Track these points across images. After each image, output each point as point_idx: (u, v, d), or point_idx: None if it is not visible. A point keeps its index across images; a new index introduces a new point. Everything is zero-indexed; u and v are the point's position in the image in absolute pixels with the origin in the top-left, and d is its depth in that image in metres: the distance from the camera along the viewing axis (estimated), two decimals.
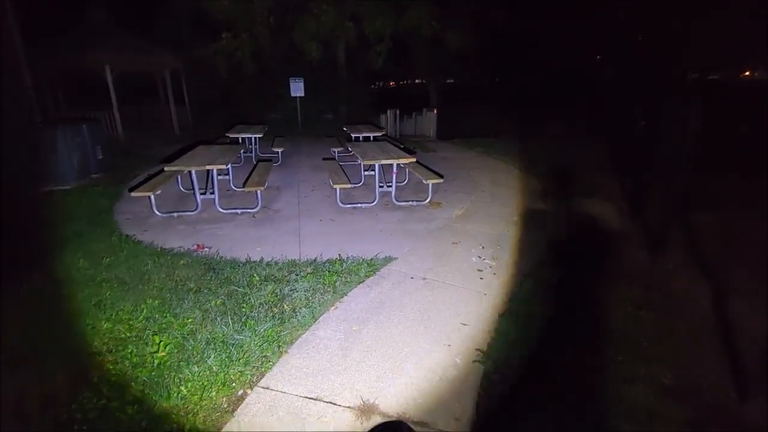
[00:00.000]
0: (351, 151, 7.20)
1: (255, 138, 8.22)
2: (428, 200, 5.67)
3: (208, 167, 5.02)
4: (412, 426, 1.14)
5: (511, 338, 2.81)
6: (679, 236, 4.44)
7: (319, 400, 2.31)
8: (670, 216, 4.65)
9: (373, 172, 6.04)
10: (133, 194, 4.89)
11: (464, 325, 2.99)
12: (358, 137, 8.21)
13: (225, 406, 2.26)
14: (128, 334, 2.80)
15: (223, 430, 2.11)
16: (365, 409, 2.25)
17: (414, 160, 5.68)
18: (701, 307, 3.26)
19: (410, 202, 5.70)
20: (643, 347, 2.78)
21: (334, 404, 2.29)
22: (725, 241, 4.24)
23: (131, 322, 2.93)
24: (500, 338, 2.82)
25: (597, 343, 2.79)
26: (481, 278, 3.67)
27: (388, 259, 3.97)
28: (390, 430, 1.23)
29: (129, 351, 2.63)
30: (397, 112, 12.28)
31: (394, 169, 5.65)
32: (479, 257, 4.07)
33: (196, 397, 2.30)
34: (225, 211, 5.28)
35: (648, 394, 2.39)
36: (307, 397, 2.32)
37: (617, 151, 7.79)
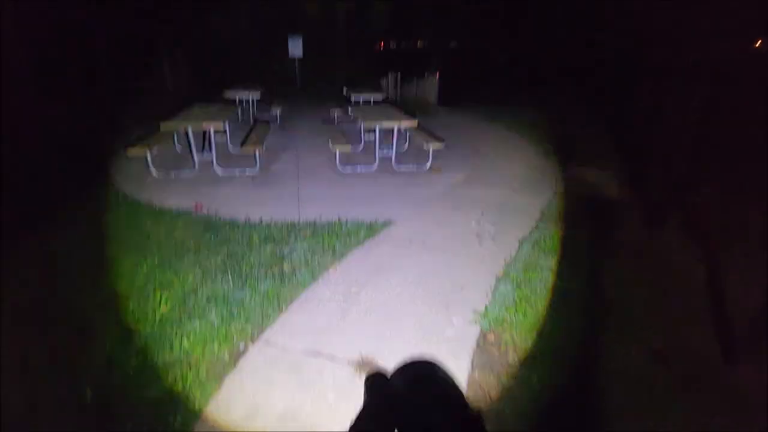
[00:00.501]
0: (351, 114, 7.07)
1: (252, 99, 8.03)
2: (429, 165, 5.63)
3: (205, 126, 4.93)
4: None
5: (507, 301, 2.86)
6: (677, 211, 4.45)
7: (319, 355, 2.36)
8: (670, 190, 4.66)
9: (373, 136, 5.96)
10: (129, 152, 4.82)
11: (462, 288, 3.03)
12: (359, 100, 8.04)
13: (227, 358, 2.31)
14: (129, 290, 2.82)
15: (226, 380, 2.16)
16: (364, 365, 2.31)
17: (415, 123, 5.58)
18: (694, 280, 3.30)
19: (410, 167, 5.65)
20: (637, 314, 2.84)
21: (334, 360, 2.34)
22: (722, 218, 4.25)
23: (132, 279, 2.95)
24: (497, 301, 2.87)
25: (592, 308, 2.83)
26: (480, 243, 3.69)
27: (388, 223, 3.97)
28: (418, 369, 1.25)
29: (131, 307, 2.66)
30: (399, 75, 11.97)
31: (395, 133, 5.56)
32: (478, 223, 4.07)
33: (199, 349, 2.34)
34: (223, 172, 5.23)
35: (639, 357, 2.46)
36: (307, 353, 2.38)
37: (621, 125, 7.69)
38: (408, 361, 1.16)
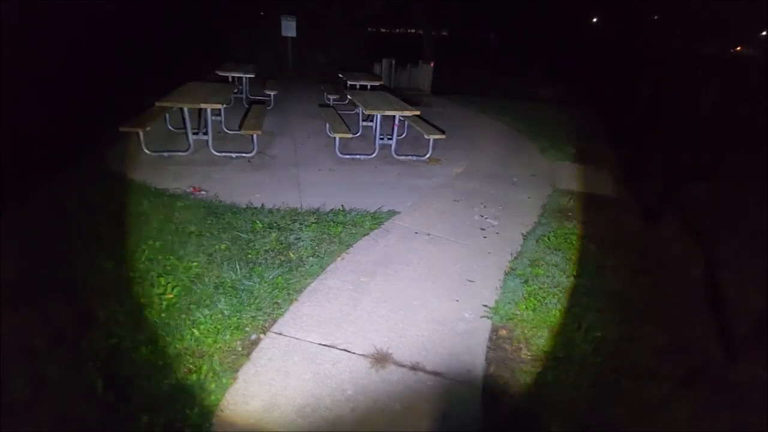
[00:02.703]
0: (347, 99, 6.94)
1: (246, 78, 7.79)
2: (428, 156, 5.59)
3: (202, 106, 4.75)
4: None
5: (516, 296, 2.89)
6: (674, 206, 4.56)
7: (333, 347, 2.34)
8: (665, 186, 4.75)
9: (371, 123, 5.87)
10: (121, 128, 4.61)
11: (470, 281, 3.04)
12: (355, 85, 7.89)
13: (240, 349, 2.26)
14: (132, 275, 2.72)
15: (241, 371, 2.12)
16: (379, 358, 2.30)
17: (418, 112, 5.52)
18: (693, 275, 3.40)
19: (410, 157, 5.61)
20: (641, 310, 2.90)
21: (349, 351, 2.32)
22: (718, 213, 4.38)
23: (133, 263, 2.84)
24: (506, 296, 2.89)
25: (599, 304, 2.88)
26: (485, 237, 3.70)
27: (392, 213, 3.94)
28: None
29: (135, 291, 2.57)
30: (393, 62, 11.80)
31: (396, 122, 5.49)
32: (481, 216, 4.08)
33: (210, 339, 2.28)
34: (219, 154, 5.07)
35: (645, 353, 2.53)
36: (321, 344, 2.34)
37: (614, 119, 7.80)
38: None
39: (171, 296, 2.57)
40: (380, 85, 8.40)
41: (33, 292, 2.47)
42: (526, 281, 3.07)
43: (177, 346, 2.23)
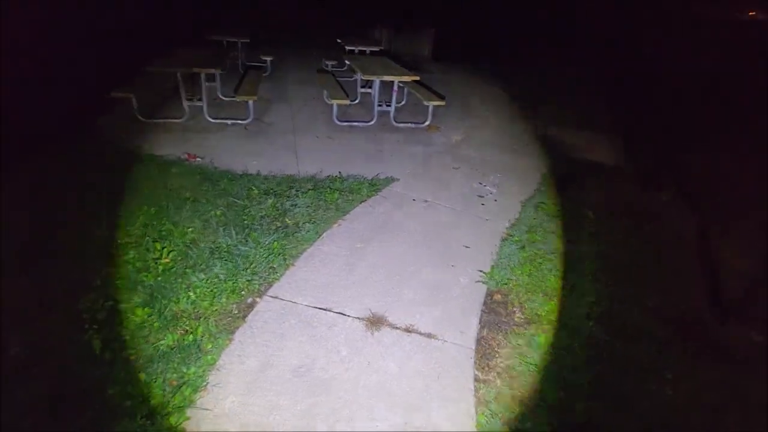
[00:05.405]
0: (346, 65, 6.76)
1: (241, 43, 7.56)
2: (427, 123, 5.49)
3: (195, 71, 4.63)
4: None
5: (512, 262, 2.89)
6: (671, 173, 4.51)
7: (329, 310, 2.36)
8: (663, 152, 4.69)
9: (370, 90, 5.74)
10: (113, 94, 4.50)
11: (467, 248, 3.04)
12: (354, 50, 7.66)
13: (236, 311, 2.29)
14: (127, 240, 2.72)
15: (237, 333, 2.15)
16: (374, 320, 2.32)
17: (417, 78, 5.38)
18: (687, 240, 3.40)
19: (409, 124, 5.51)
20: (634, 273, 2.92)
21: (344, 315, 2.34)
22: (713, 180, 4.34)
23: (128, 228, 2.83)
24: (502, 261, 2.90)
25: (593, 269, 2.89)
26: (483, 204, 3.67)
27: (390, 180, 3.90)
28: None
29: (131, 257, 2.57)
30: (394, 26, 11.42)
31: (395, 87, 5.37)
32: (480, 183, 4.04)
33: (206, 302, 2.30)
34: (214, 121, 4.98)
35: (636, 314, 2.55)
36: (317, 307, 2.37)
37: (613, 87, 7.61)
38: None
39: (167, 261, 2.57)
40: (380, 50, 8.15)
41: (32, 258, 2.47)
42: (522, 247, 3.07)
43: (173, 308, 2.25)
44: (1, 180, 3.14)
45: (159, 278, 2.43)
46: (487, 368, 2.12)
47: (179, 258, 2.61)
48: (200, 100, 5.01)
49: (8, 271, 2.36)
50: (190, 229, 2.89)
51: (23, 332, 2.00)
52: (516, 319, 2.44)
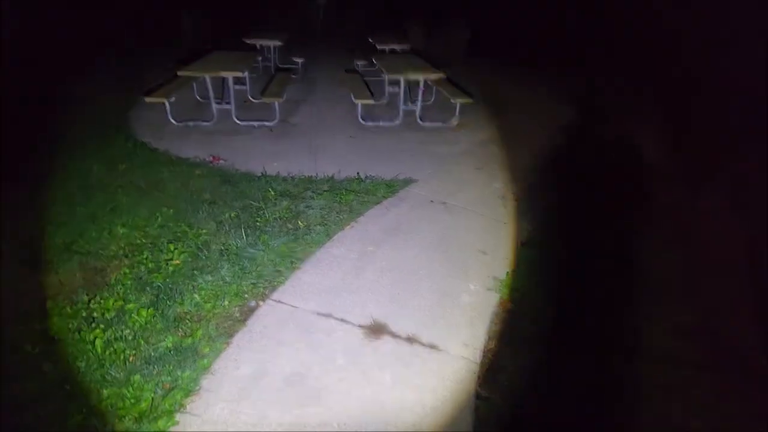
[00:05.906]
0: (376, 65, 6.70)
1: (274, 46, 7.70)
2: (454, 121, 5.32)
3: (223, 74, 4.74)
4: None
5: (530, 269, 2.71)
6: (723, 175, 4.08)
7: (330, 316, 2.31)
8: (716, 152, 4.25)
9: (397, 89, 5.64)
10: (147, 99, 4.71)
11: (483, 253, 2.89)
12: (384, 49, 7.59)
13: (237, 315, 2.28)
14: (144, 241, 2.80)
15: (236, 337, 2.14)
16: (375, 328, 2.24)
17: (442, 75, 5.23)
18: (732, 252, 3.04)
19: (435, 123, 5.36)
20: (666, 286, 2.65)
21: (345, 321, 2.28)
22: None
23: (147, 229, 2.93)
24: (519, 269, 2.72)
25: (619, 279, 2.65)
26: (504, 206, 3.49)
27: (408, 181, 3.80)
28: None
29: (144, 257, 2.64)
30: (425, 24, 11.22)
31: (421, 86, 5.24)
32: (503, 184, 3.85)
33: (209, 304, 2.32)
34: (241, 123, 5.09)
35: (665, 333, 2.31)
36: (318, 313, 2.32)
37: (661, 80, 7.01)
38: None
39: (177, 262, 2.62)
40: (411, 48, 8.03)
41: (49, 255, 2.60)
42: (543, 253, 2.87)
43: (177, 310, 2.28)
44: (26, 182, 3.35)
45: (168, 279, 2.48)
46: (491, 384, 1.98)
47: (190, 259, 2.66)
48: (228, 103, 5.13)
49: (28, 266, 2.49)
50: (204, 231, 2.94)
51: (27, 331, 2.09)
52: (529, 333, 2.27)
